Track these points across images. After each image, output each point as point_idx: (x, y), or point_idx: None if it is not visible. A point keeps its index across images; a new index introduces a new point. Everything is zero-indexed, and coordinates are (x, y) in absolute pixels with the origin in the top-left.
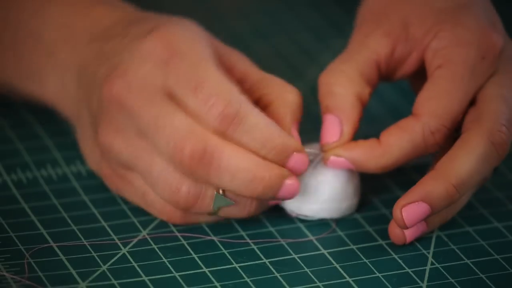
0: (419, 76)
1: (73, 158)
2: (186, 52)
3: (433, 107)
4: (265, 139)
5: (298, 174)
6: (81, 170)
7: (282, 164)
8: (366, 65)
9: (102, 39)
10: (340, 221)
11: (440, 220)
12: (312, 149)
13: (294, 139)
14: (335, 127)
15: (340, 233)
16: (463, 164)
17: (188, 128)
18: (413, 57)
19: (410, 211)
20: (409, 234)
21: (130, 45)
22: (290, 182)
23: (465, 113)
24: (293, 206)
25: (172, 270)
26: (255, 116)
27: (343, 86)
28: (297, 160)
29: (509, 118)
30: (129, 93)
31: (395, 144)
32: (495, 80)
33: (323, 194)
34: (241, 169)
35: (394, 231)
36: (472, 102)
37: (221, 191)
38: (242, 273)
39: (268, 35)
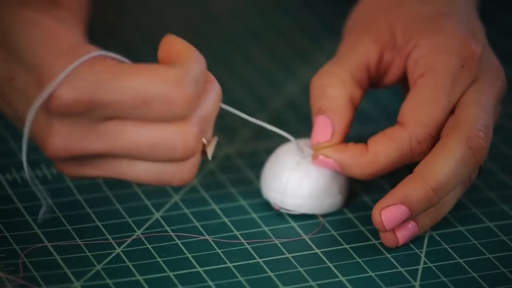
0: (407, 82)
1: None
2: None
3: (419, 116)
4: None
5: None
6: None
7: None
8: (357, 69)
9: None
10: (333, 221)
11: (430, 222)
12: (300, 144)
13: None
14: (327, 127)
15: (333, 232)
16: (442, 168)
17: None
18: (397, 64)
19: (389, 214)
20: (401, 237)
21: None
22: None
23: None
24: (277, 199)
25: (166, 269)
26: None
27: (336, 88)
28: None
29: (487, 124)
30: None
31: (382, 153)
32: (473, 87)
33: (305, 190)
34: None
35: (385, 234)
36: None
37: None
38: (236, 272)
39: (261, 35)
